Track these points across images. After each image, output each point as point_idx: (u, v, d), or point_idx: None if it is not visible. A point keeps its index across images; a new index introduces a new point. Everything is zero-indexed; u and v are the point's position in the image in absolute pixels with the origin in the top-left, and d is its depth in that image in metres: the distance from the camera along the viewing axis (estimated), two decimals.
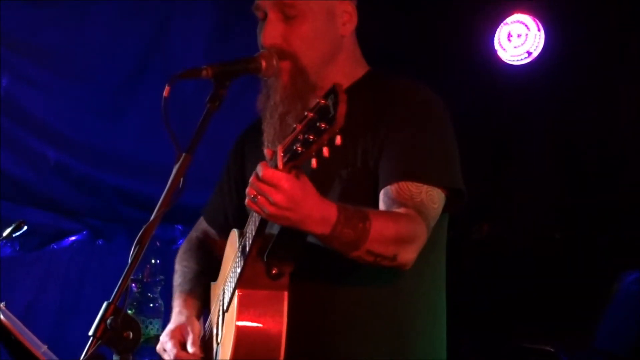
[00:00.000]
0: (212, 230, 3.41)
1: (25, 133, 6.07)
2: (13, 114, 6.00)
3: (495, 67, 6.20)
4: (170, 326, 3.22)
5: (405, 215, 2.77)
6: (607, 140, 6.18)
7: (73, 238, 6.33)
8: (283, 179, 2.51)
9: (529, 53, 6.12)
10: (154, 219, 2.59)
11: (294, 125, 2.48)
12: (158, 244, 3.72)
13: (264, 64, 2.90)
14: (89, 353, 2.46)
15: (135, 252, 2.55)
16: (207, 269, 3.35)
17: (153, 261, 5.31)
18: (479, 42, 6.26)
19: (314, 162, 2.45)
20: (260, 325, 2.83)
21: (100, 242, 6.38)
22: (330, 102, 2.39)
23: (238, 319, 2.83)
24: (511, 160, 6.36)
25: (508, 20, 6.16)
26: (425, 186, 2.84)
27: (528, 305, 6.14)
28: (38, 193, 6.12)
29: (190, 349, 3.12)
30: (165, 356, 3.17)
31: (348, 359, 2.96)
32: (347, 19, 3.01)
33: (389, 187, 2.85)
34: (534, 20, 6.09)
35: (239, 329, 2.82)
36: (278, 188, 2.52)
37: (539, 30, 6.09)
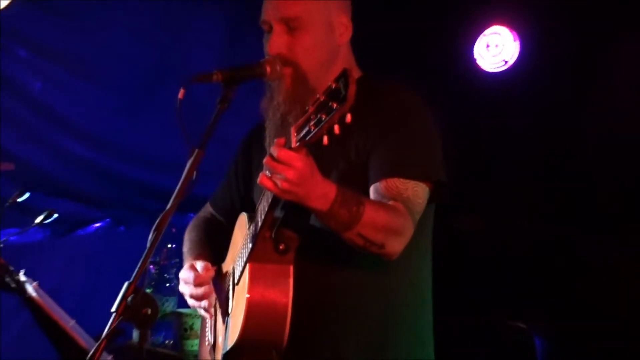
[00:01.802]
0: (218, 215, 3.41)
1: (56, 131, 6.08)
2: (45, 114, 6.01)
3: (476, 74, 6.20)
4: (186, 265, 3.21)
5: (395, 209, 2.78)
6: (578, 139, 6.18)
7: (97, 225, 6.34)
8: (296, 158, 2.54)
9: (506, 61, 6.13)
10: (170, 207, 2.59)
11: (307, 108, 2.50)
12: (173, 230, 3.73)
13: (268, 69, 2.91)
14: (111, 328, 2.46)
15: (153, 238, 2.56)
16: (213, 241, 3.36)
17: (169, 246, 5.32)
18: (460, 51, 6.27)
19: (325, 139, 2.46)
20: (269, 295, 2.83)
21: (121, 229, 6.39)
22: (341, 85, 2.41)
23: (249, 289, 2.83)
24: (490, 158, 6.36)
25: (486, 31, 6.16)
26: (411, 182, 2.85)
27: (505, 287, 6.15)
28: (66, 185, 6.13)
29: (201, 271, 3.11)
30: (185, 287, 3.16)
31: (341, 334, 2.96)
32: (343, 30, 3.02)
33: (378, 183, 2.86)
34: (510, 32, 6.10)
35: (250, 299, 2.83)
36: (291, 166, 2.55)
37: (514, 40, 6.10)
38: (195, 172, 2.66)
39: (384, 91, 2.98)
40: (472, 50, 6.21)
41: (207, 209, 3.48)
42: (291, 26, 2.95)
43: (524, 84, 6.11)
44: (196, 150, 2.67)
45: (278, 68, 2.92)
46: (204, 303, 3.14)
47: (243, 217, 3.09)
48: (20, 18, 5.60)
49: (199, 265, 3.13)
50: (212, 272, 3.13)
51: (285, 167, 2.55)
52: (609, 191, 6.05)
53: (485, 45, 6.18)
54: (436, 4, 6.14)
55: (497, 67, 6.17)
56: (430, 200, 2.92)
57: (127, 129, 6.25)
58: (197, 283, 3.11)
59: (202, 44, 6.36)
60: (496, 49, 6.14)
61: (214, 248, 3.34)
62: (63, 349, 3.57)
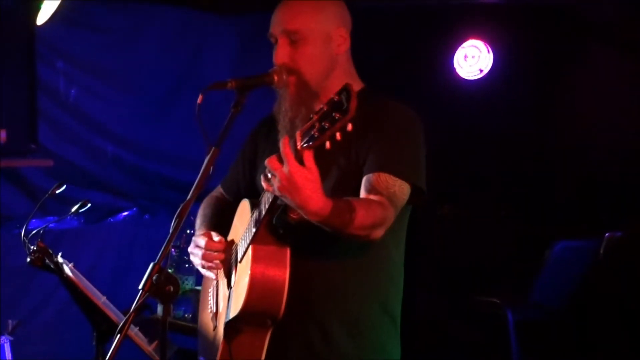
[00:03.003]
0: (227, 196, 3.40)
1: (89, 132, 6.08)
2: (80, 118, 6.00)
3: (455, 82, 6.22)
4: (199, 231, 3.21)
5: (380, 204, 2.76)
6: (542, 139, 6.19)
7: (125, 214, 6.32)
8: (291, 163, 2.50)
9: (481, 70, 6.14)
10: (189, 198, 2.58)
11: (311, 115, 2.47)
12: (192, 218, 3.71)
13: (276, 77, 2.90)
14: (138, 303, 2.45)
15: (175, 224, 2.54)
16: (222, 220, 3.33)
17: (188, 231, 5.27)
18: (442, 61, 6.28)
19: (327, 144, 2.44)
20: (269, 273, 2.83)
21: (146, 217, 6.37)
22: (343, 98, 2.38)
23: (252, 267, 2.82)
24: (468, 154, 6.37)
25: (464, 44, 6.18)
26: (399, 180, 2.82)
27: (480, 266, 6.16)
28: (99, 179, 6.12)
29: (216, 238, 3.10)
30: (196, 250, 3.14)
31: (324, 308, 2.96)
32: (341, 42, 2.99)
33: (371, 174, 2.83)
34: (485, 45, 6.11)
35: (252, 275, 2.81)
36: (285, 169, 2.52)
37: (488, 52, 6.10)
38: (212, 168, 2.64)
39: (384, 105, 2.96)
40: (452, 60, 6.22)
41: (219, 190, 3.47)
42: (293, 39, 2.93)
43: (497, 90, 6.13)
44: (213, 149, 2.65)
45: (284, 76, 2.90)
46: (209, 264, 3.13)
47: (245, 203, 3.08)
48: (56, 34, 5.59)
49: (215, 235, 3.12)
50: (223, 244, 3.12)
51: (280, 169, 2.53)
52: (568, 185, 6.08)
53: (464, 56, 6.19)
54: (421, 21, 6.15)
55: (474, 75, 6.18)
56: (409, 201, 2.91)
57: (151, 131, 6.25)
58: (209, 247, 3.11)
59: (217, 57, 6.36)
60: (473, 59, 6.15)
61: (223, 224, 3.34)
62: (96, 322, 3.55)
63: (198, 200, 2.63)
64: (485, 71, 6.13)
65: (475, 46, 6.14)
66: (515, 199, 6.33)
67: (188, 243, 3.28)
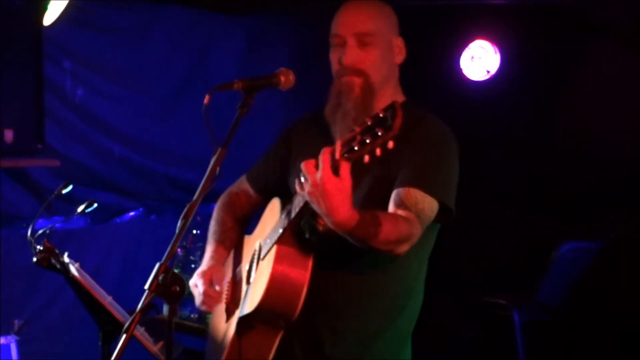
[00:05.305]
0: (251, 189, 3.38)
1: (96, 132, 6.07)
2: (87, 117, 6.00)
3: (462, 82, 6.21)
4: (202, 267, 3.21)
5: (407, 220, 2.76)
6: (549, 139, 6.19)
7: (132, 214, 6.33)
8: (325, 171, 2.51)
9: (488, 71, 6.14)
10: (196, 199, 2.58)
11: (354, 127, 2.47)
12: (199, 218, 3.69)
13: (282, 79, 2.87)
14: (145, 303, 2.46)
15: (181, 225, 2.55)
16: (239, 223, 3.35)
17: (195, 232, 5.30)
18: (448, 62, 6.28)
19: (366, 157, 2.43)
20: (289, 274, 2.83)
21: (153, 217, 6.37)
22: (388, 115, 2.38)
23: (274, 266, 2.83)
24: (474, 154, 6.36)
25: (471, 45, 6.17)
26: (429, 197, 2.82)
27: (486, 267, 6.16)
28: (105, 179, 6.12)
29: (216, 287, 3.13)
30: (195, 291, 3.17)
31: (337, 319, 2.97)
32: (398, 51, 3.02)
33: (401, 189, 2.83)
34: (492, 45, 6.10)
35: (273, 274, 2.82)
36: (318, 175, 2.52)
37: (495, 53, 6.10)
38: (218, 168, 2.65)
39: (423, 119, 2.97)
40: (459, 61, 6.22)
41: (242, 185, 3.43)
42: (364, 41, 2.94)
43: (503, 91, 6.13)
44: (219, 149, 2.66)
45: (290, 77, 2.89)
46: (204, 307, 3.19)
47: (276, 202, 3.08)
48: (63, 33, 5.59)
49: (215, 284, 3.14)
50: (220, 294, 3.15)
51: (312, 175, 2.53)
52: (575, 185, 6.07)
53: (470, 57, 6.19)
54: (428, 21, 6.14)
55: (481, 76, 6.18)
56: (435, 220, 2.90)
57: (158, 131, 6.25)
58: (202, 300, 3.15)
59: (224, 57, 6.37)
60: (480, 60, 6.15)
61: (239, 228, 3.35)
62: (102, 322, 3.55)
63: (204, 200, 2.63)
64: (492, 72, 6.13)
65: (482, 47, 6.14)
66: (522, 199, 6.32)
67: (194, 243, 3.30)
